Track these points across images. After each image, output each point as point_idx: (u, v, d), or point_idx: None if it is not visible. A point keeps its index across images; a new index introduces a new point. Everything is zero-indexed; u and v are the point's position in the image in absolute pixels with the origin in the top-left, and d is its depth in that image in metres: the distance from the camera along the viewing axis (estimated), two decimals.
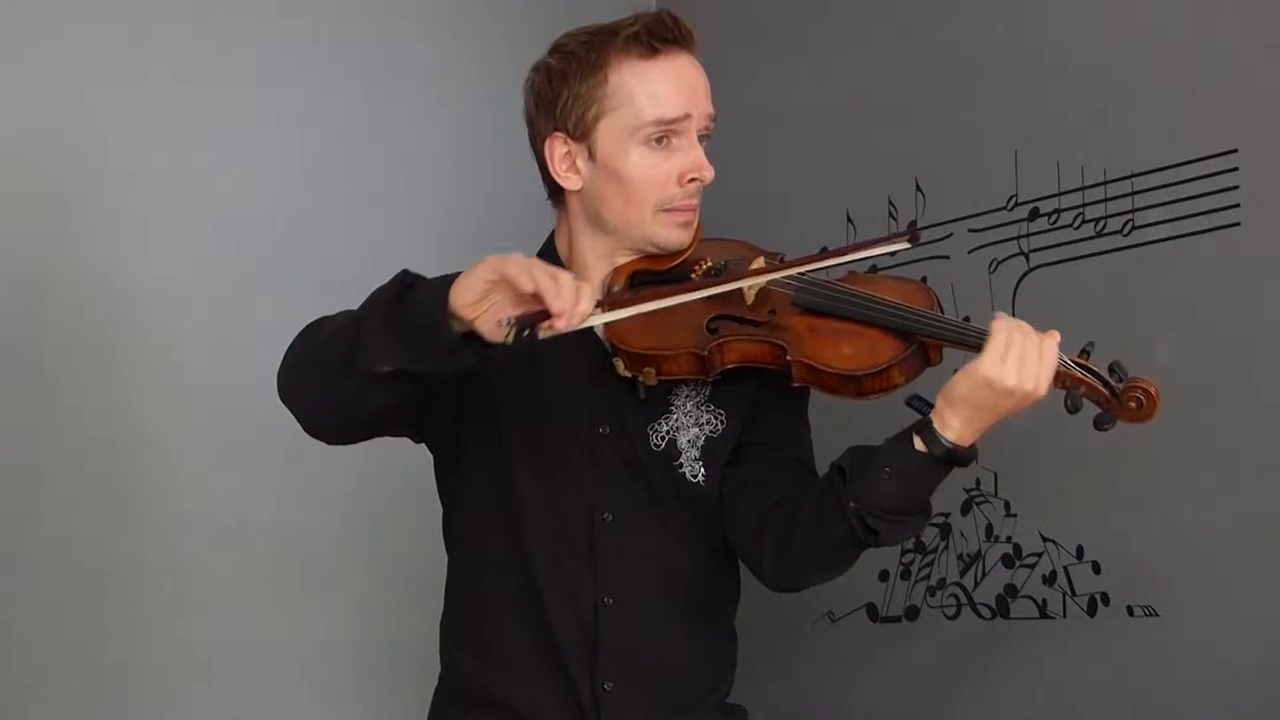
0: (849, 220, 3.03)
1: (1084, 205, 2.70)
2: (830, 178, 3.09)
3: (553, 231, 2.09)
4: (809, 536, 1.92)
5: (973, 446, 1.86)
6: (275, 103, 2.97)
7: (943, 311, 1.94)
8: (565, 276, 1.70)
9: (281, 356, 1.89)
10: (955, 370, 1.83)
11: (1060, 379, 1.85)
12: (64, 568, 2.69)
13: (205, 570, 2.81)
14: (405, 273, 1.81)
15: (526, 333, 1.68)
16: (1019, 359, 1.80)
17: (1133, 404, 1.84)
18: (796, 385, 1.92)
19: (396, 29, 3.15)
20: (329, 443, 1.97)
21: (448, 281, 1.74)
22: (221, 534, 2.83)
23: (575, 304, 1.70)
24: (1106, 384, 1.85)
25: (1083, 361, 1.87)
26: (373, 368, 1.78)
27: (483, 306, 1.72)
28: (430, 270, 1.81)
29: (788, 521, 1.94)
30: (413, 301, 1.76)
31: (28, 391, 2.69)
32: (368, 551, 2.95)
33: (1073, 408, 1.86)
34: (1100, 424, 1.87)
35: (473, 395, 1.99)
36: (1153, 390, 1.84)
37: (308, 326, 1.91)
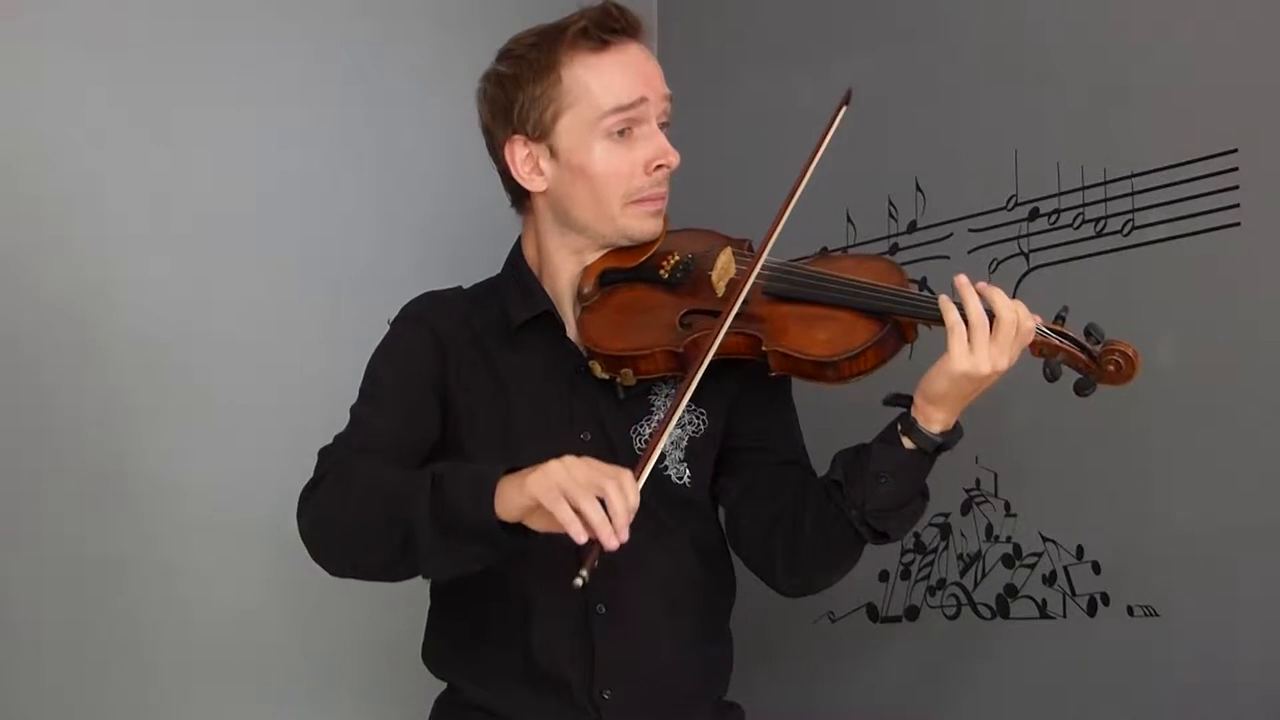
0: (849, 220, 3.03)
1: (1084, 205, 2.70)
2: (830, 178, 3.08)
3: (519, 238, 2.09)
4: (817, 546, 1.93)
5: (958, 425, 1.86)
6: (270, 102, 2.97)
7: (920, 288, 1.94)
8: (611, 487, 1.68)
9: (300, 493, 1.96)
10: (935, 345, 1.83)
11: (1037, 347, 1.84)
12: (62, 568, 2.68)
13: (205, 570, 2.80)
14: (432, 474, 1.81)
15: (597, 564, 1.69)
16: (984, 344, 1.81)
17: (1111, 367, 1.83)
18: (775, 374, 1.91)
19: (393, 28, 3.14)
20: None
21: (486, 491, 1.74)
22: (221, 534, 2.82)
23: (626, 513, 1.68)
24: (1084, 349, 1.83)
25: (1058, 328, 1.86)
26: (436, 575, 1.91)
27: (525, 516, 1.74)
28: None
29: (793, 532, 1.94)
30: (456, 510, 1.76)
31: (25, 391, 2.69)
32: None
33: (1051, 375, 1.85)
34: (1080, 389, 1.85)
35: (454, 415, 1.99)
36: (1130, 352, 1.82)
37: (326, 487, 1.93)
